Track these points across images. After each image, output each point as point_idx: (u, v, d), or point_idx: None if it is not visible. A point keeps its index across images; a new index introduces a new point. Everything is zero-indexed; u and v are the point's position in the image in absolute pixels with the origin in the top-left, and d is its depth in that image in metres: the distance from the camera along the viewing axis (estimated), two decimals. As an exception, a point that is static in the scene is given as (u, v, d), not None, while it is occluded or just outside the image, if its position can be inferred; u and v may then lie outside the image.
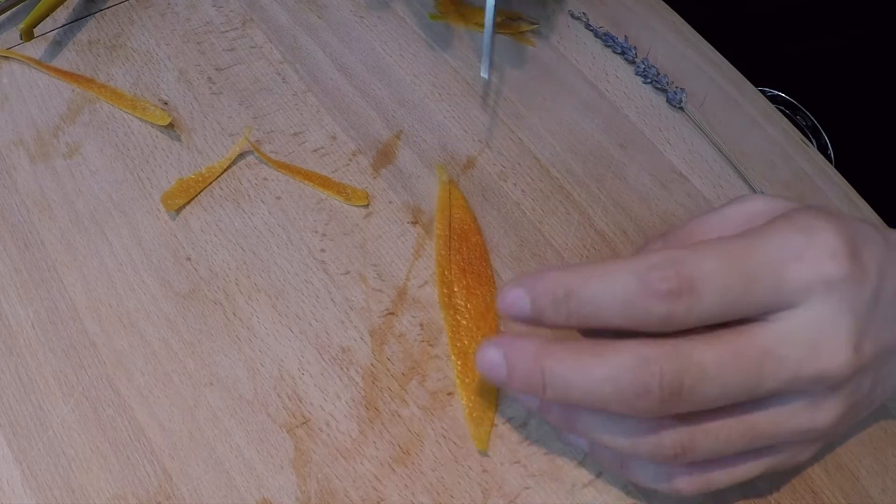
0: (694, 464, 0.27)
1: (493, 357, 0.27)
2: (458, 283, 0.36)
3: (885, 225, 0.40)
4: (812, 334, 0.25)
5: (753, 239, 0.26)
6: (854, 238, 0.26)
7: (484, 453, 0.32)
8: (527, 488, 0.32)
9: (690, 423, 0.26)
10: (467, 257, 0.36)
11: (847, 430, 0.30)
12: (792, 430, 0.27)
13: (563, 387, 0.26)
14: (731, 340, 0.25)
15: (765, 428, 0.26)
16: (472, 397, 0.33)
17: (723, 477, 0.28)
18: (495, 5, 0.37)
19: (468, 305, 0.35)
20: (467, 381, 0.33)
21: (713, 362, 0.25)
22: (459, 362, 0.34)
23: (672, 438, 0.26)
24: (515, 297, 0.27)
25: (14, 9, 0.43)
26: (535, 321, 0.27)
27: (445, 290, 0.35)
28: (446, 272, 0.36)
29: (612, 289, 0.25)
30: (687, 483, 0.28)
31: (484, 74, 0.37)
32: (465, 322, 0.35)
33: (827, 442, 0.29)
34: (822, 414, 0.27)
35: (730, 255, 0.25)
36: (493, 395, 0.33)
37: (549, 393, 0.27)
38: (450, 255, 0.36)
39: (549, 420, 0.30)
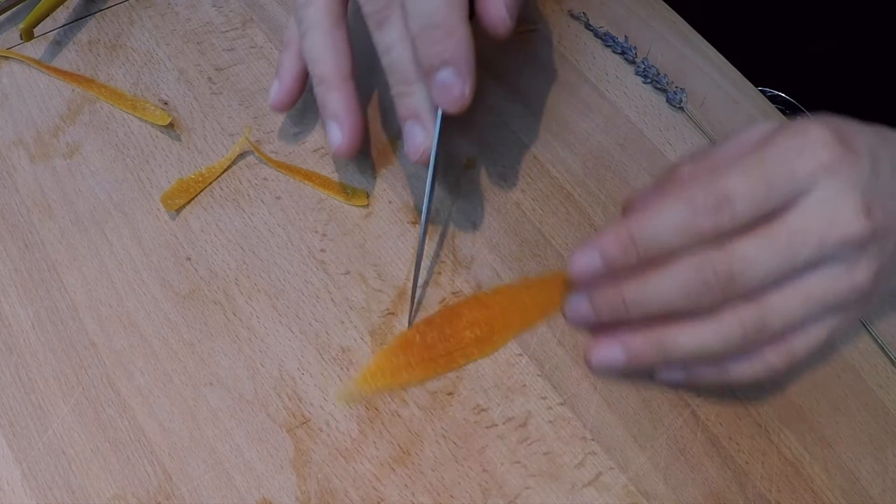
0: (774, 338, 0.32)
1: (578, 304, 0.33)
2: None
3: None
4: (827, 208, 0.31)
5: (763, 151, 0.32)
6: (841, 129, 0.32)
7: None
8: (527, 488, 0.32)
9: (759, 303, 0.31)
10: (507, 312, 0.36)
11: (884, 290, 0.34)
12: (840, 291, 0.31)
13: (641, 301, 0.32)
14: (762, 230, 0.31)
15: (818, 292, 0.31)
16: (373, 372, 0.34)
17: (801, 342, 0.32)
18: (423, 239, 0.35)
19: (461, 334, 0.35)
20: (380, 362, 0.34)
21: (752, 249, 0.31)
22: (395, 346, 0.34)
23: (750, 318, 0.31)
24: (587, 259, 0.32)
25: (14, 9, 0.43)
26: (609, 271, 0.32)
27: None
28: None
29: (668, 221, 0.31)
30: (776, 356, 0.32)
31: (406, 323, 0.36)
32: (448, 332, 0.35)
33: (871, 302, 0.33)
34: (859, 273, 0.31)
35: (749, 168, 0.31)
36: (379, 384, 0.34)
37: (631, 310, 0.32)
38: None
39: (645, 359, 0.33)
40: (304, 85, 0.38)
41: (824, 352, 0.36)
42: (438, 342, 0.34)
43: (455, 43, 0.31)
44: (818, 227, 0.31)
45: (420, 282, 0.36)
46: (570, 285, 0.35)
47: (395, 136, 0.40)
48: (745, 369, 0.33)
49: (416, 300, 0.35)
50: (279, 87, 0.37)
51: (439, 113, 0.33)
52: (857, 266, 0.31)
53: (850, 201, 0.31)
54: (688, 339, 0.32)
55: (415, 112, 0.33)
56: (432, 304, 0.36)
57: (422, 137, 0.33)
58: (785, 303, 0.31)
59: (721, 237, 0.31)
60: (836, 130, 0.32)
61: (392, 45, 0.32)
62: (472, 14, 0.32)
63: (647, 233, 0.31)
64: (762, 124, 0.35)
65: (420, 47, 0.31)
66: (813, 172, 0.31)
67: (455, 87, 0.31)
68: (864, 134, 0.33)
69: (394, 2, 0.32)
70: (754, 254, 0.31)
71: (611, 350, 0.33)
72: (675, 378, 0.34)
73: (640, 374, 0.35)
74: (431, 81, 0.31)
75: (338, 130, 0.35)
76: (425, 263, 0.37)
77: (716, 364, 0.33)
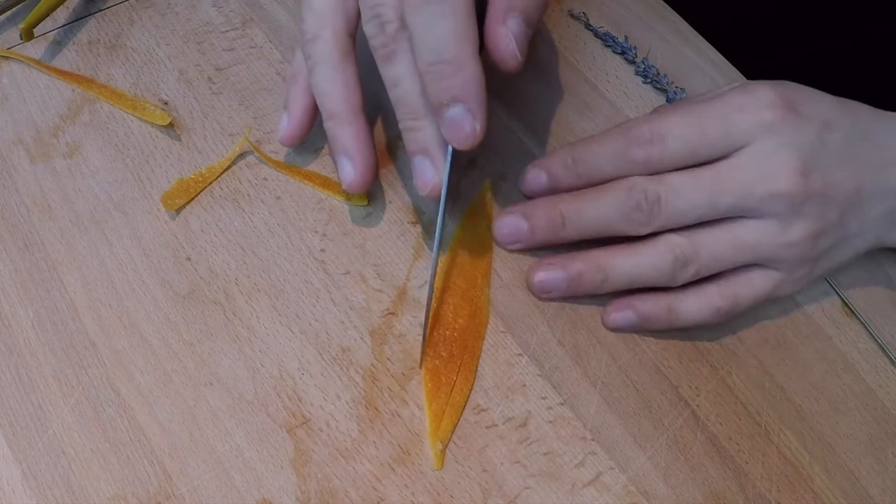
0: (720, 282, 0.35)
1: (511, 220, 0.36)
2: (451, 298, 0.36)
3: None
4: (759, 162, 0.33)
5: (708, 101, 0.35)
6: (792, 93, 0.34)
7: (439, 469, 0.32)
8: (527, 488, 0.32)
9: (688, 236, 0.34)
10: (469, 278, 0.36)
11: (833, 263, 0.35)
12: (773, 245, 0.34)
13: (578, 217, 0.35)
14: (696, 170, 0.34)
15: (748, 240, 0.34)
16: (437, 419, 0.33)
17: (745, 289, 0.35)
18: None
19: (455, 324, 0.35)
20: (434, 406, 0.33)
21: (681, 182, 0.34)
22: (431, 384, 0.33)
23: (679, 246, 0.34)
24: (535, 174, 0.37)
25: (14, 9, 0.43)
26: (552, 187, 0.36)
27: (435, 302, 0.35)
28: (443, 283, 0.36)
29: (606, 148, 0.35)
30: (720, 297, 0.35)
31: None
32: (447, 334, 0.34)
33: (816, 267, 0.35)
34: (794, 232, 0.33)
35: (688, 112, 0.34)
36: (453, 417, 0.33)
37: (567, 229, 0.35)
38: (453, 266, 0.36)
39: (585, 281, 0.35)
40: (315, 118, 0.37)
41: (786, 310, 0.37)
42: (452, 349, 0.34)
43: (465, 79, 0.30)
44: (745, 177, 0.33)
45: (420, 282, 0.36)
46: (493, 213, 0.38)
47: (395, 136, 0.40)
48: (691, 308, 0.35)
49: (425, 337, 0.34)
50: (289, 121, 0.37)
51: (450, 149, 0.32)
52: (792, 224, 0.33)
53: (784, 159, 0.33)
54: (623, 260, 0.34)
55: (424, 147, 0.32)
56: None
57: (431, 174, 0.32)
58: (714, 240, 0.34)
59: (655, 171, 0.34)
60: (784, 94, 0.34)
61: (400, 79, 0.32)
62: (482, 47, 0.31)
63: (587, 157, 0.35)
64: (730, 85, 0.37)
65: (428, 83, 0.30)
66: (750, 129, 0.33)
67: (466, 124, 0.30)
68: (821, 102, 0.34)
69: (401, 35, 0.31)
70: (682, 187, 0.33)
71: (552, 271, 0.35)
72: (626, 318, 0.35)
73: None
74: (441, 118, 0.31)
75: (350, 166, 0.35)
76: (425, 263, 0.37)
77: (664, 305, 0.35)
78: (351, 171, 0.35)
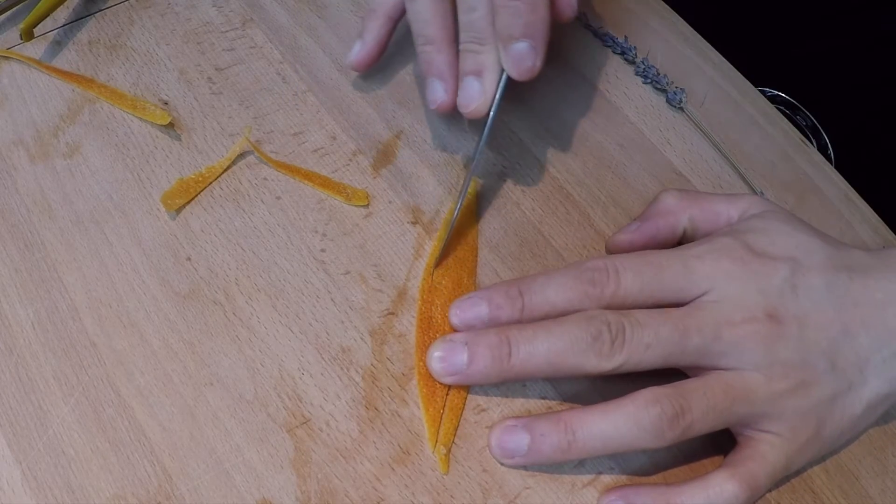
0: (726, 464, 0.31)
1: (447, 346, 0.32)
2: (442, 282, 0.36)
3: (886, 225, 0.40)
4: (722, 306, 0.31)
5: (666, 252, 0.32)
6: (757, 239, 0.32)
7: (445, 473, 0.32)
8: (527, 488, 0.32)
9: (675, 387, 0.30)
10: (456, 279, 0.36)
11: (844, 421, 0.31)
12: (764, 393, 0.30)
13: (529, 347, 0.31)
14: (661, 309, 0.31)
15: (738, 385, 0.30)
16: (435, 422, 0.33)
17: (758, 467, 0.31)
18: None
19: (444, 326, 0.35)
20: (431, 410, 0.33)
21: (645, 316, 0.31)
22: (425, 389, 0.33)
23: (665, 395, 0.30)
24: (473, 302, 0.33)
25: (14, 9, 0.43)
26: (492, 320, 0.32)
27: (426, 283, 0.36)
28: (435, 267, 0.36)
29: (556, 280, 0.32)
30: (734, 483, 0.30)
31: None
32: (438, 337, 0.34)
33: (824, 432, 0.31)
34: (778, 380, 0.30)
35: (645, 254, 0.32)
36: (454, 420, 0.33)
37: (513, 361, 0.31)
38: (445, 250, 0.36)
39: (544, 455, 0.31)
40: (383, 51, 0.41)
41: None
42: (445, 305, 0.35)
43: (536, 19, 0.33)
44: (713, 319, 0.30)
45: (419, 283, 0.36)
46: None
47: (395, 136, 0.40)
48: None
49: (448, 239, 0.36)
50: (362, 48, 0.40)
51: (504, 76, 0.35)
52: (774, 372, 0.30)
53: (749, 303, 0.30)
54: (596, 418, 0.30)
55: (479, 69, 0.35)
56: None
57: (478, 92, 0.35)
58: (704, 387, 0.30)
59: (611, 307, 0.31)
60: (748, 240, 0.32)
61: (476, 5, 0.34)
62: None
63: (535, 287, 0.32)
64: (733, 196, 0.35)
65: (503, 16, 0.33)
66: (709, 275, 0.31)
67: (528, 58, 0.34)
68: (793, 241, 0.32)
69: None
70: (645, 317, 0.30)
71: (516, 435, 0.31)
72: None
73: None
74: (507, 49, 0.34)
75: (441, 89, 0.37)
76: (423, 263, 0.37)
77: (663, 502, 0.31)
78: (442, 93, 0.36)
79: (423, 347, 0.34)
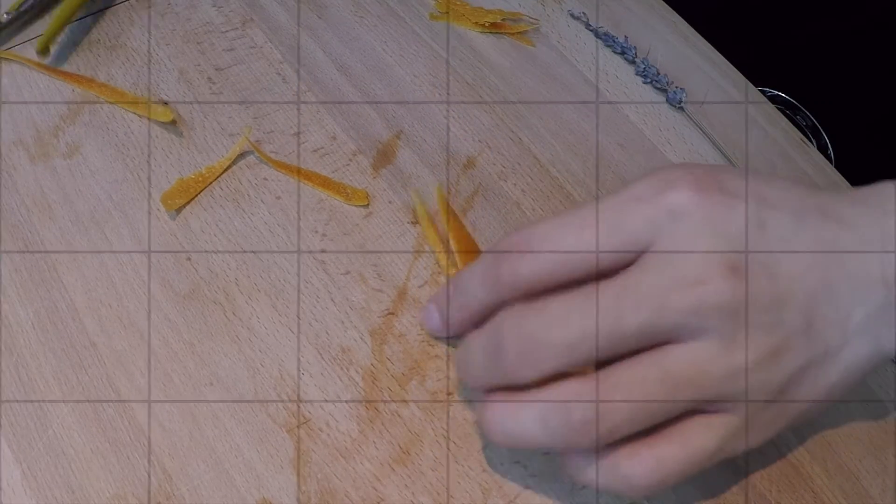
0: (637, 442, 0.25)
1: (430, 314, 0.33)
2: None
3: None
4: (670, 263, 0.24)
5: (601, 199, 0.26)
6: (713, 172, 0.25)
7: None
8: (527, 488, 0.32)
9: (599, 379, 0.25)
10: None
11: (817, 394, 0.26)
12: (717, 374, 0.24)
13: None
14: (583, 291, 0.25)
15: (682, 370, 0.24)
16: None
17: (672, 451, 0.25)
18: None
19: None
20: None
21: (561, 305, 0.25)
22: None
23: (579, 394, 0.25)
24: (429, 312, 0.33)
25: (21, 20, 0.42)
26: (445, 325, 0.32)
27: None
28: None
29: (474, 271, 0.29)
30: (634, 466, 0.25)
31: None
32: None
33: (791, 410, 0.26)
34: (740, 351, 0.24)
35: (565, 213, 0.26)
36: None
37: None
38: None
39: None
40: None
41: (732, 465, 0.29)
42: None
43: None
44: (656, 286, 0.24)
45: (420, 281, 0.36)
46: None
47: (395, 136, 0.40)
48: (591, 473, 0.26)
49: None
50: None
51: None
52: (736, 342, 0.24)
53: (703, 255, 0.24)
54: (500, 415, 0.27)
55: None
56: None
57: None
58: (633, 377, 0.24)
59: (529, 294, 0.26)
60: (700, 171, 0.25)
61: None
62: None
63: (461, 284, 0.30)
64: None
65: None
66: (652, 219, 0.25)
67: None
68: (756, 179, 0.26)
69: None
70: (562, 309, 0.25)
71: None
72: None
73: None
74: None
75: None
76: (425, 263, 0.37)
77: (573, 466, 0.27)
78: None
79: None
